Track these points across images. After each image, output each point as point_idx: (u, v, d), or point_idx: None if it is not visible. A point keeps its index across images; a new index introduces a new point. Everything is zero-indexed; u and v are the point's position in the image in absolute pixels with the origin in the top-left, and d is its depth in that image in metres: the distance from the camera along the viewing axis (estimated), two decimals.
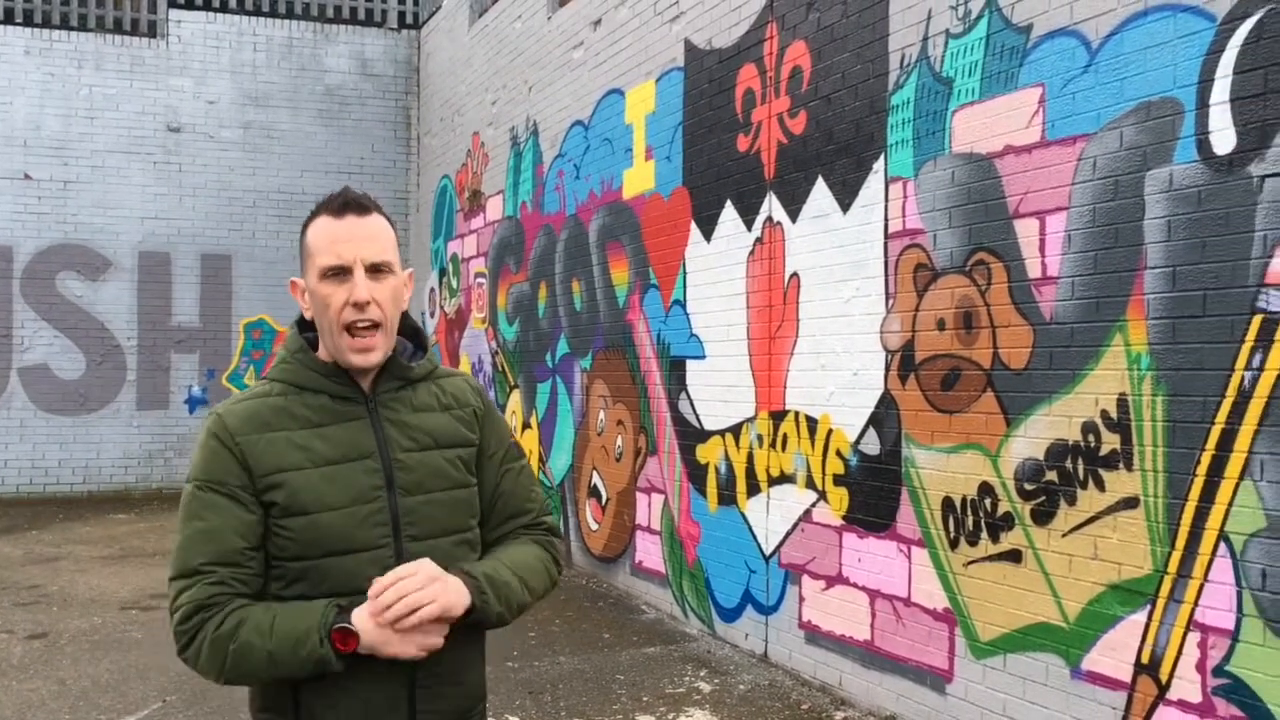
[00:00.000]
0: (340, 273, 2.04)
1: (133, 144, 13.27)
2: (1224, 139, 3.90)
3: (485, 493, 2.23)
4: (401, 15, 14.36)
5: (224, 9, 13.66)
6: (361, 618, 1.97)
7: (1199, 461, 3.99)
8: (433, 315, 13.12)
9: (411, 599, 1.95)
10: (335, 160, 13.90)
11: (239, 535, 2.00)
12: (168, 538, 10.44)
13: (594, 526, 8.90)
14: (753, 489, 6.70)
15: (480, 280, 11.45)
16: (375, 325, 2.07)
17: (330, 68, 13.98)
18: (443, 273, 12.72)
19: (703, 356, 7.24)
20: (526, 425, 10.19)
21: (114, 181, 13.21)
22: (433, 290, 13.07)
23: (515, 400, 10.49)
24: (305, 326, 2.19)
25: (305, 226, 2.12)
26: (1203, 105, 3.98)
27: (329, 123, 13.96)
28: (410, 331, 2.25)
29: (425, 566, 2.00)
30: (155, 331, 13.34)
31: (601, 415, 8.67)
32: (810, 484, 6.16)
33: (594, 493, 8.85)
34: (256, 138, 13.69)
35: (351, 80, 14.06)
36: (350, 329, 2.05)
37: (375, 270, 2.06)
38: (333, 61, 13.99)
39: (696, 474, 7.32)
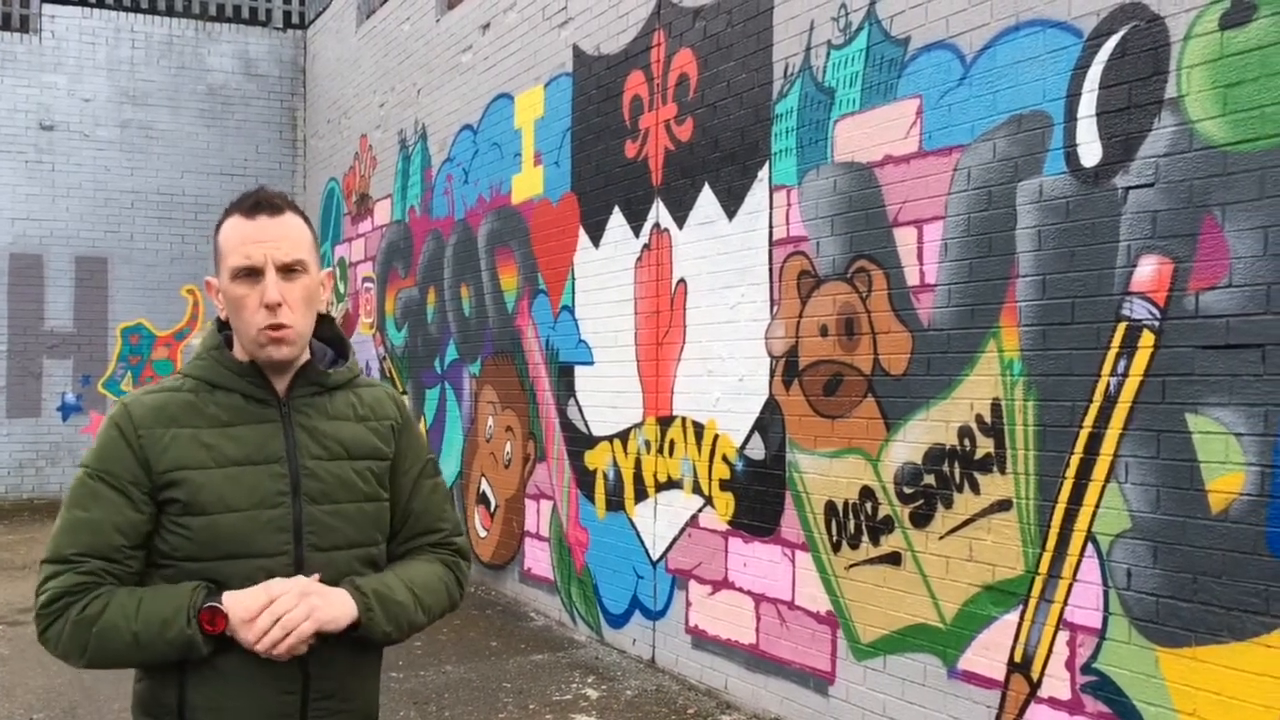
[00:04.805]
0: (251, 273, 2.01)
1: (3, 142, 12.78)
2: (1091, 151, 4.03)
3: (396, 507, 2.19)
4: (287, 15, 14.09)
5: (100, 5, 13.24)
6: (232, 598, 1.95)
7: (1068, 464, 4.10)
8: None
9: (286, 620, 1.93)
10: (218, 161, 13.57)
11: (118, 531, 1.96)
12: (38, 550, 10.05)
13: (482, 534, 8.83)
14: (640, 495, 6.71)
15: (368, 285, 11.28)
16: (286, 325, 2.03)
17: (213, 67, 13.65)
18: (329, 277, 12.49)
19: (591, 362, 7.23)
20: None
21: None
22: None
23: None
24: (225, 324, 2.14)
25: (218, 226, 2.09)
26: (1071, 118, 4.10)
27: (211, 123, 13.63)
28: (335, 339, 2.23)
29: (298, 583, 1.97)
30: (26, 336, 12.85)
31: (490, 421, 8.61)
32: (697, 489, 6.19)
33: (482, 499, 8.78)
34: (135, 137, 13.29)
35: (235, 80, 13.75)
36: (271, 327, 2.02)
37: (287, 270, 2.03)
38: (215, 61, 13.67)
39: (585, 480, 7.30)
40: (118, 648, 1.94)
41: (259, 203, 2.05)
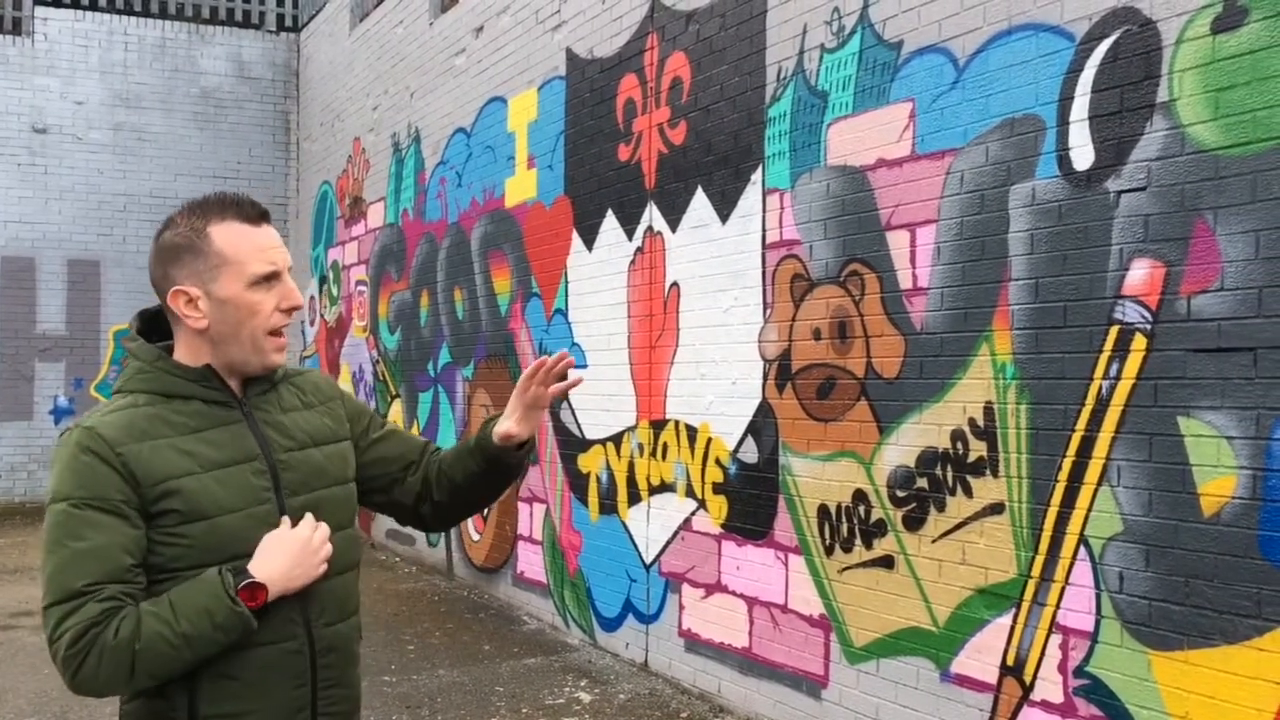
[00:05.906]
0: (272, 278, 2.06)
1: None
2: (1083, 155, 4.03)
3: (389, 461, 2.33)
4: (280, 18, 14.07)
5: (93, 7, 13.21)
6: (258, 566, 1.95)
7: (1060, 468, 4.11)
8: (313, 323, 12.87)
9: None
10: (211, 164, 13.54)
11: (126, 552, 1.89)
12: (29, 553, 10.04)
13: (475, 537, 8.82)
14: (633, 498, 6.71)
15: (361, 288, 11.27)
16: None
17: (206, 69, 13.63)
18: (323, 280, 12.49)
19: (584, 365, 7.22)
20: None
21: None
22: (313, 298, 12.83)
23: (397, 409, 10.34)
24: (147, 334, 2.15)
25: (197, 231, 2.06)
26: (1063, 122, 4.10)
27: (204, 126, 13.60)
28: None
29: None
30: (18, 340, 12.81)
31: None
32: (690, 493, 6.18)
33: None
34: (127, 140, 13.26)
35: (228, 83, 13.73)
36: (274, 331, 2.08)
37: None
38: (208, 63, 13.64)
39: (578, 483, 7.29)
40: (167, 654, 1.86)
41: (263, 211, 2.10)
